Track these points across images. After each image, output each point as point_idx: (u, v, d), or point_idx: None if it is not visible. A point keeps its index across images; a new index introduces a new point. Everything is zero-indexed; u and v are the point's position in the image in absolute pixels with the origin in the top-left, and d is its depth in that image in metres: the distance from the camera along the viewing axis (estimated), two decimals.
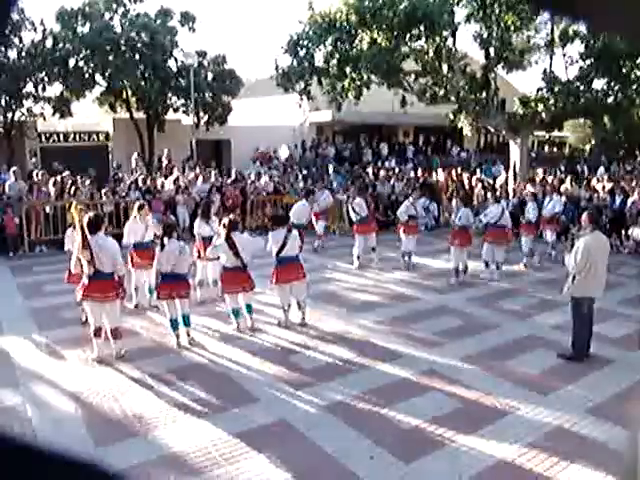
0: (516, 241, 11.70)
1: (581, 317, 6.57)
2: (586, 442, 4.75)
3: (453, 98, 16.86)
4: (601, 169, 19.77)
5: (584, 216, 6.79)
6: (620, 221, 13.27)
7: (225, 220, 7.49)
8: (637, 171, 20.79)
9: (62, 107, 19.36)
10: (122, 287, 6.62)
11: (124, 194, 13.74)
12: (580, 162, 23.01)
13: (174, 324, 6.95)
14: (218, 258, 7.62)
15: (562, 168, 21.90)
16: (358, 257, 11.23)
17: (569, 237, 11.72)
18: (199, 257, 8.58)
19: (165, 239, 6.91)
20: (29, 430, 4.86)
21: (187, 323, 7.03)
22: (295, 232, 7.92)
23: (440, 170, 18.36)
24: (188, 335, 7.02)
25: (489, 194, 11.73)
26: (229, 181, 15.63)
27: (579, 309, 6.57)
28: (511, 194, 14.57)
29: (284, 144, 22.41)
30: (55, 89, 19.65)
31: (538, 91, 16.73)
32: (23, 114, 19.18)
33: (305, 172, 18.77)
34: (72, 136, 19.51)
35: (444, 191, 11.82)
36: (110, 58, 19.07)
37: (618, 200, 13.62)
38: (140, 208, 8.53)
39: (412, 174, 18.13)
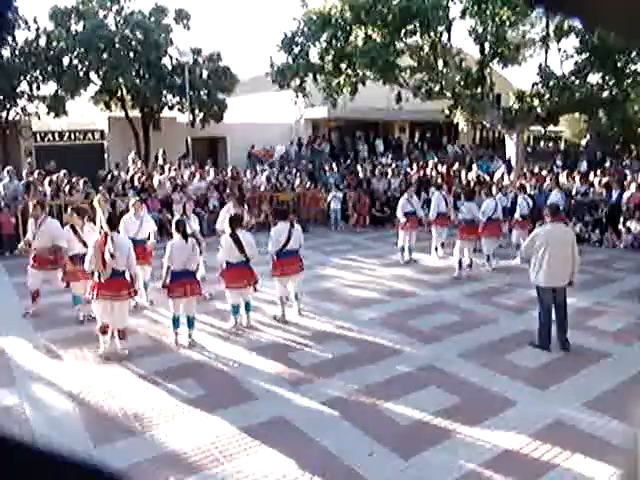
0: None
1: (542, 304, 6.74)
2: (584, 435, 4.76)
3: (449, 94, 16.87)
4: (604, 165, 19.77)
5: (545, 209, 7.04)
6: (616, 215, 13.28)
7: (229, 216, 7.58)
8: (633, 165, 20.77)
9: (57, 106, 19.27)
10: (134, 286, 6.61)
11: (121, 193, 13.70)
12: (576, 156, 22.98)
13: (176, 322, 6.92)
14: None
15: (558, 163, 21.88)
16: (436, 249, 11.72)
17: None
18: None
19: (177, 236, 6.86)
20: (27, 430, 4.85)
21: (191, 325, 6.96)
22: (298, 226, 7.94)
23: (437, 165, 18.33)
24: (189, 337, 6.94)
25: (477, 188, 11.89)
26: (225, 178, 15.59)
27: (541, 297, 6.76)
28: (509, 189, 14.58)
29: (279, 145, 22.35)
30: (49, 88, 19.60)
31: (533, 86, 16.74)
32: (17, 113, 19.11)
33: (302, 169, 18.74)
34: (67, 135, 19.44)
35: (448, 186, 12.05)
36: (104, 56, 18.98)
37: (615, 194, 13.63)
38: (134, 204, 8.62)
39: (408, 170, 18.14)
